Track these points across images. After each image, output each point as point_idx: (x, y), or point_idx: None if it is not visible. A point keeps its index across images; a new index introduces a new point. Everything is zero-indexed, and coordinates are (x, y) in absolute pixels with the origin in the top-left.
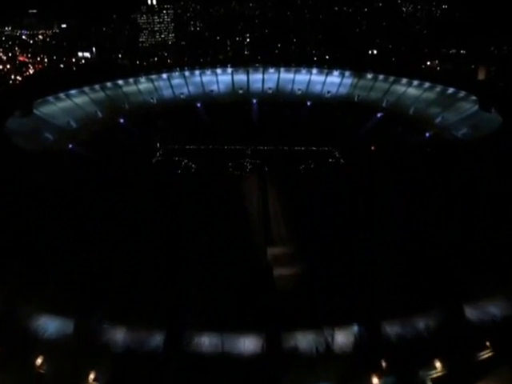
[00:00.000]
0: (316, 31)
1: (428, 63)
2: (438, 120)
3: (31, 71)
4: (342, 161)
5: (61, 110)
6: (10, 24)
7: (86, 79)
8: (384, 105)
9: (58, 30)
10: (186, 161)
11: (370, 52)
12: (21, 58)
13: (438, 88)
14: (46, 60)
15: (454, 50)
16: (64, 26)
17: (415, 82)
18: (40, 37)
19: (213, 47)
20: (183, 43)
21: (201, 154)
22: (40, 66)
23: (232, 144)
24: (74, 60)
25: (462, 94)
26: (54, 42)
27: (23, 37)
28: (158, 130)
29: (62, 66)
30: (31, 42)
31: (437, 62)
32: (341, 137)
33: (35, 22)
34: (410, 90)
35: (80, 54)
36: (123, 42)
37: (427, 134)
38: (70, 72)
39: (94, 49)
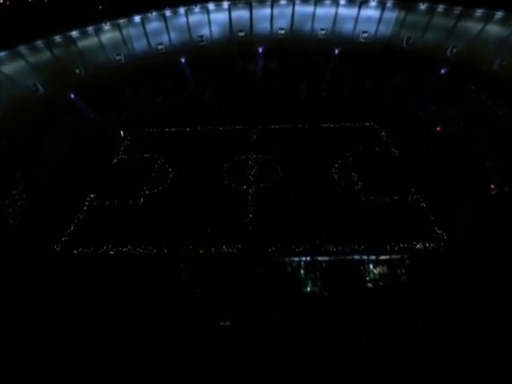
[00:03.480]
0: None
1: None
2: None
3: None
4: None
5: None
6: None
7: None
8: (449, 53)
9: None
10: (161, 161)
11: None
12: None
13: None
14: None
15: None
16: None
17: (499, 14)
18: None
19: None
20: None
21: (184, 141)
22: None
23: (229, 122)
24: None
25: None
26: None
27: None
28: (124, 105)
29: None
30: None
31: None
32: (386, 105)
33: None
34: (490, 28)
35: None
36: None
37: None
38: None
39: None
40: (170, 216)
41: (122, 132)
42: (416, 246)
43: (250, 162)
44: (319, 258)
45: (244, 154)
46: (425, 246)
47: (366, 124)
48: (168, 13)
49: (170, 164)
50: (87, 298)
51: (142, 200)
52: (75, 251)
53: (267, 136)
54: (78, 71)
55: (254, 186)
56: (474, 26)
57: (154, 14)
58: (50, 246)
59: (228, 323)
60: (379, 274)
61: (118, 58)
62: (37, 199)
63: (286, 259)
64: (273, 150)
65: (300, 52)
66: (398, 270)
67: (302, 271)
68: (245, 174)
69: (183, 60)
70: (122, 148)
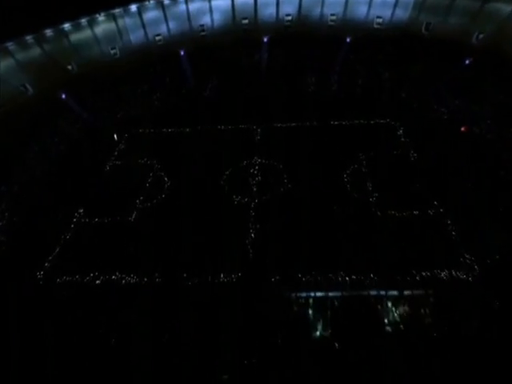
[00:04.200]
0: None
1: None
2: None
3: None
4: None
5: None
6: None
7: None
8: (474, 40)
9: None
10: (157, 166)
11: None
12: None
13: None
14: None
15: None
16: None
17: None
18: None
19: None
20: None
21: (182, 143)
22: None
23: (231, 120)
24: None
25: None
26: None
27: None
28: (119, 104)
29: None
30: None
31: None
32: (403, 99)
33: None
34: None
35: None
36: None
37: None
38: None
39: None
40: (162, 237)
41: (115, 135)
42: (440, 275)
43: (252, 170)
44: (330, 294)
45: (246, 159)
46: (450, 275)
47: (382, 121)
48: (166, 0)
49: (166, 171)
50: (71, 338)
51: (134, 215)
52: (58, 279)
53: (272, 136)
54: (70, 67)
55: (256, 199)
56: (503, 8)
57: (151, 2)
58: (32, 274)
59: (226, 377)
60: (399, 313)
61: (112, 51)
62: (20, 215)
63: (293, 295)
64: (278, 154)
65: (308, 41)
66: (422, 310)
67: (310, 311)
68: (247, 184)
69: (182, 52)
70: (115, 153)
